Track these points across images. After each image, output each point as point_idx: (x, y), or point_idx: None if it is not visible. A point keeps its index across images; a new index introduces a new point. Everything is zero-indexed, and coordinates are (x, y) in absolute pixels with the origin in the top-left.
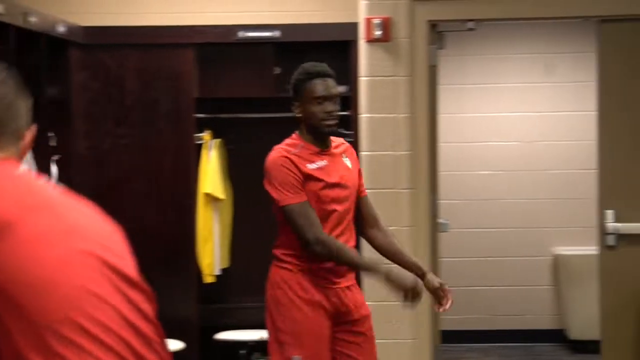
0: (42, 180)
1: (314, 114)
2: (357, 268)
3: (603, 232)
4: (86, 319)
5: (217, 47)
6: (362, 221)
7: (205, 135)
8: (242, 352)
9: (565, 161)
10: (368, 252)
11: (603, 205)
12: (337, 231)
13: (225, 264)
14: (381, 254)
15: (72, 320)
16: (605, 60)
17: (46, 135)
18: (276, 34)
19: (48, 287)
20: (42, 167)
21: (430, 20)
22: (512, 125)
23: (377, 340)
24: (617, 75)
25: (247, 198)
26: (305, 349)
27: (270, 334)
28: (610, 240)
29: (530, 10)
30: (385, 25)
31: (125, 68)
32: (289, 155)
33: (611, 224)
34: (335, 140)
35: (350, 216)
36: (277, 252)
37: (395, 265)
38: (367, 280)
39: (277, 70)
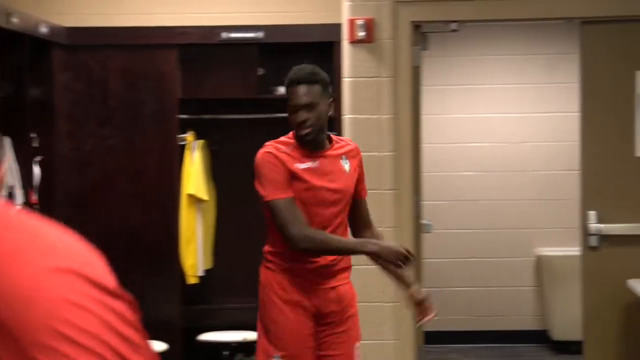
0: (15, 208)
1: (290, 121)
2: (346, 253)
3: (585, 233)
4: (69, 327)
5: (200, 48)
6: (355, 223)
7: (189, 136)
8: (225, 353)
9: (548, 162)
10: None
11: (586, 206)
12: None
13: (209, 265)
14: (371, 258)
15: (54, 329)
16: (588, 62)
17: (29, 136)
18: (259, 34)
19: (26, 300)
20: (25, 168)
21: (413, 21)
22: (495, 126)
23: (360, 342)
24: (600, 76)
25: (231, 199)
26: (285, 349)
27: (258, 334)
28: (593, 241)
29: (513, 12)
30: (369, 26)
31: (109, 69)
32: (276, 153)
33: (594, 225)
34: (340, 141)
35: (339, 220)
36: (265, 251)
37: (376, 242)
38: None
39: (261, 71)
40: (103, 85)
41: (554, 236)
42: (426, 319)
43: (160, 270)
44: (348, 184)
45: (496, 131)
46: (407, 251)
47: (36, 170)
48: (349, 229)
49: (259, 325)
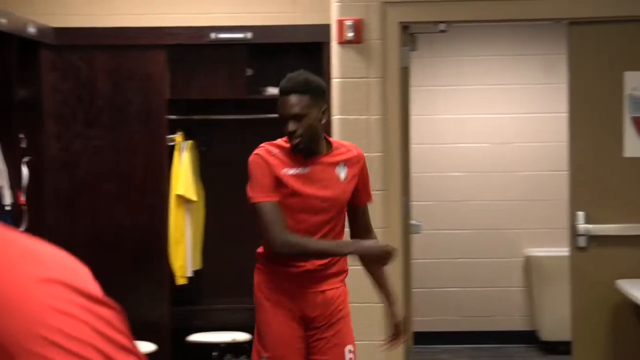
0: None
1: (282, 129)
2: (326, 256)
3: (574, 234)
4: (57, 334)
5: (189, 48)
6: (353, 230)
7: (178, 137)
8: (214, 353)
9: (536, 163)
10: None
11: (574, 207)
12: None
13: (197, 266)
14: (363, 266)
15: (42, 336)
16: (575, 62)
17: (17, 136)
18: (248, 35)
19: (11, 308)
20: (13, 169)
21: (402, 22)
22: (484, 127)
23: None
24: (588, 77)
25: (219, 200)
26: (271, 350)
27: (254, 333)
28: (581, 242)
29: (500, 13)
30: (357, 26)
31: (97, 69)
32: (266, 156)
33: (582, 226)
34: (341, 147)
35: (328, 228)
36: (257, 252)
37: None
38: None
39: (250, 72)
40: (91, 86)
41: (543, 237)
42: (391, 344)
43: (149, 271)
44: (341, 193)
45: (485, 132)
46: (390, 248)
47: (24, 170)
48: (343, 237)
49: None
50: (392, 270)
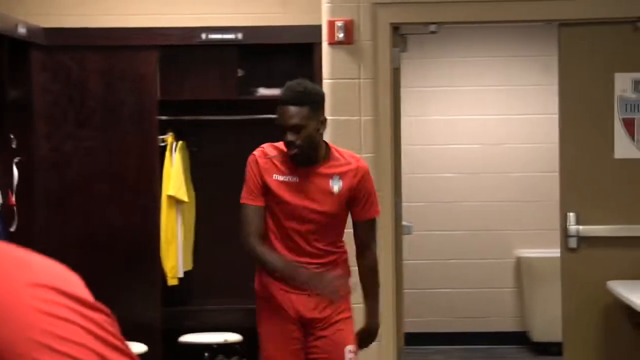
0: None
1: (283, 138)
2: (281, 275)
3: (565, 235)
4: (50, 338)
5: (179, 49)
6: (355, 243)
7: (169, 137)
8: (206, 354)
9: (527, 164)
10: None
11: (565, 208)
12: (297, 250)
13: (189, 267)
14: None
15: (35, 341)
16: (565, 64)
17: (8, 136)
18: (239, 36)
19: (2, 314)
20: (4, 169)
21: (392, 23)
22: (474, 128)
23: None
24: (578, 78)
25: (211, 200)
26: (266, 349)
27: None
28: (572, 243)
29: (491, 14)
30: (348, 27)
31: (88, 70)
32: (260, 158)
33: (573, 227)
34: (340, 159)
35: (318, 237)
36: None
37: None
38: None
39: (241, 73)
40: (82, 86)
41: (534, 238)
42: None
43: (140, 272)
44: (330, 205)
45: (475, 133)
46: (335, 290)
47: (15, 171)
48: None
49: None
50: (383, 272)
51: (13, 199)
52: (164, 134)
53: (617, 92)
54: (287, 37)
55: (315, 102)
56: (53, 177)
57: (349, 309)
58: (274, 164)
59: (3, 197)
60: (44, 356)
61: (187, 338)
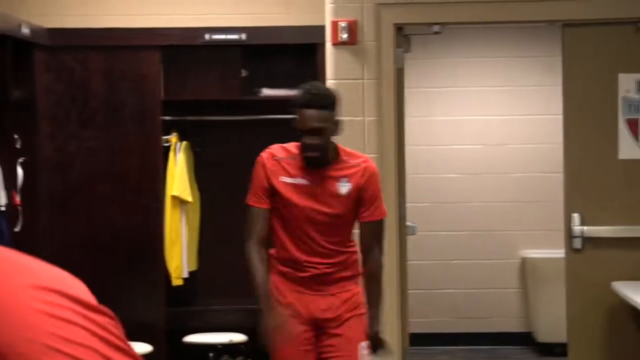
0: None
1: (302, 140)
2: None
3: (569, 235)
4: (56, 340)
5: (183, 49)
6: (359, 243)
7: (173, 138)
8: (210, 354)
9: (531, 164)
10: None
11: (569, 209)
12: (308, 250)
13: (193, 267)
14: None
15: (41, 343)
16: (569, 64)
17: (12, 137)
18: (242, 36)
19: (5, 317)
20: (8, 170)
21: (396, 24)
22: (479, 129)
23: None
24: (582, 78)
25: (215, 200)
26: (277, 348)
27: None
28: (577, 244)
29: (495, 14)
30: (352, 28)
31: (91, 70)
32: (267, 160)
33: (578, 227)
34: (349, 160)
35: (327, 240)
36: (270, 254)
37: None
38: None
39: (244, 73)
40: (85, 87)
41: (539, 238)
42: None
43: (144, 272)
44: (338, 207)
45: (479, 133)
46: (263, 336)
47: (19, 171)
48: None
49: None
50: (387, 272)
51: (18, 199)
52: (168, 134)
53: (621, 92)
54: (290, 38)
55: (333, 104)
56: (57, 177)
57: (361, 305)
58: (282, 166)
59: (8, 198)
60: (51, 359)
61: (192, 338)
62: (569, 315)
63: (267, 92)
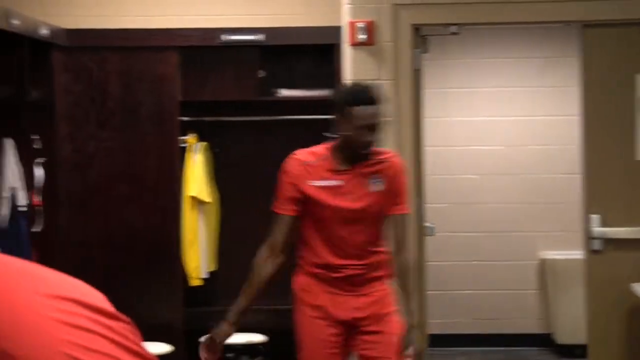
0: None
1: (353, 138)
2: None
3: (589, 237)
4: (76, 349)
5: (201, 50)
6: (390, 241)
7: (190, 139)
8: (229, 355)
9: (550, 165)
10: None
11: (588, 210)
12: (341, 253)
13: (212, 267)
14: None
15: (62, 353)
16: (588, 65)
17: (30, 137)
18: (260, 37)
19: (27, 330)
20: (27, 170)
21: (413, 24)
22: (497, 129)
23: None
24: (601, 79)
25: (233, 201)
26: (303, 351)
27: None
28: (596, 245)
29: (513, 15)
30: (369, 29)
31: (108, 71)
32: (294, 166)
33: (597, 229)
34: (379, 157)
35: (364, 238)
36: (298, 256)
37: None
38: None
39: (262, 74)
40: (103, 87)
41: (558, 239)
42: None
43: (162, 273)
44: (371, 203)
45: (498, 134)
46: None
47: (38, 171)
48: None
49: None
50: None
51: (37, 199)
52: (186, 135)
53: (639, 93)
54: (308, 38)
55: (381, 99)
56: (75, 178)
57: (394, 303)
58: (312, 170)
59: (27, 198)
60: None
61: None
62: (588, 316)
63: (285, 92)
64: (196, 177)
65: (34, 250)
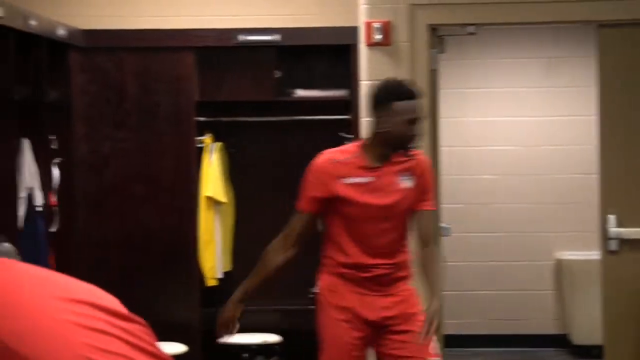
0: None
1: (397, 133)
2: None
3: (605, 237)
4: (93, 351)
5: (217, 50)
6: (415, 236)
7: (207, 139)
8: (244, 355)
9: (567, 165)
10: None
11: (605, 210)
12: (371, 251)
13: (228, 268)
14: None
15: (77, 354)
16: (604, 65)
17: (47, 138)
18: (276, 37)
19: (43, 333)
20: (44, 170)
21: (430, 24)
22: (513, 130)
23: None
24: (617, 79)
25: (249, 201)
26: (326, 351)
27: None
28: (613, 245)
29: (529, 15)
30: (386, 29)
31: (125, 71)
32: (323, 165)
33: (613, 229)
34: (407, 155)
35: (394, 235)
36: (323, 255)
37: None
38: None
39: (278, 74)
40: (120, 88)
41: (574, 240)
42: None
43: (178, 273)
44: (401, 200)
45: (514, 134)
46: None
47: (55, 172)
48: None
49: None
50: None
51: (53, 199)
52: (202, 135)
53: None
54: (324, 39)
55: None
56: (91, 178)
57: (419, 305)
58: (342, 167)
59: (44, 198)
60: None
61: (226, 339)
62: (605, 317)
63: (301, 93)
64: (212, 177)
65: (51, 251)
